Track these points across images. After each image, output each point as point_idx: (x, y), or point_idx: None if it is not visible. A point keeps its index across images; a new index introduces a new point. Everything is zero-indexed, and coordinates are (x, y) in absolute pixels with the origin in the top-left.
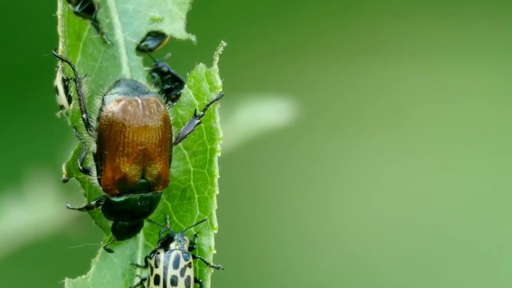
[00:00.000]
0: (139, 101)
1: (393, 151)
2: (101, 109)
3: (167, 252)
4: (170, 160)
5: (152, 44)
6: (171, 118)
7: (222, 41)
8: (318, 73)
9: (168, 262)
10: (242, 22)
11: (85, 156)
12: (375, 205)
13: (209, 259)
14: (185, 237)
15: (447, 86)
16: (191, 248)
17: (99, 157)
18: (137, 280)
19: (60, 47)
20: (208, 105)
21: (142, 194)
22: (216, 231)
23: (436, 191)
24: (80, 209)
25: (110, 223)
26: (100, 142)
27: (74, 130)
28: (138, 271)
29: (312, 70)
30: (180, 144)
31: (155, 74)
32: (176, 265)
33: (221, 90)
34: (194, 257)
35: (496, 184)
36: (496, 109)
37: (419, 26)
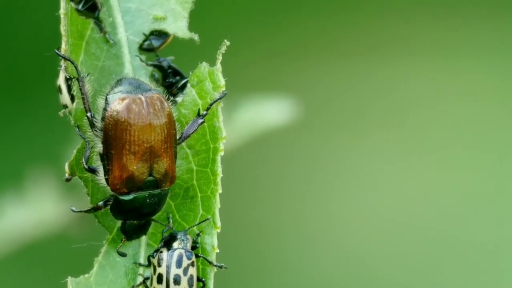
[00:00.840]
0: (143, 98)
1: (393, 151)
2: (105, 109)
3: (170, 251)
4: (175, 157)
5: (155, 43)
6: (174, 115)
7: (225, 40)
8: (319, 73)
9: (171, 261)
10: (244, 21)
11: (90, 155)
12: (375, 205)
13: (212, 258)
14: (188, 236)
15: (447, 86)
16: (194, 247)
17: (105, 157)
18: (140, 279)
19: (63, 46)
20: (211, 104)
21: (150, 191)
22: (219, 230)
23: (437, 191)
24: (87, 211)
25: (117, 223)
26: (106, 142)
27: (77, 129)
28: (141, 270)
29: (313, 69)
30: (183, 143)
31: (155, 70)
32: (179, 264)
33: (224, 89)
34: (197, 256)
35: (496, 184)
36: (496, 109)
37: (419, 26)
